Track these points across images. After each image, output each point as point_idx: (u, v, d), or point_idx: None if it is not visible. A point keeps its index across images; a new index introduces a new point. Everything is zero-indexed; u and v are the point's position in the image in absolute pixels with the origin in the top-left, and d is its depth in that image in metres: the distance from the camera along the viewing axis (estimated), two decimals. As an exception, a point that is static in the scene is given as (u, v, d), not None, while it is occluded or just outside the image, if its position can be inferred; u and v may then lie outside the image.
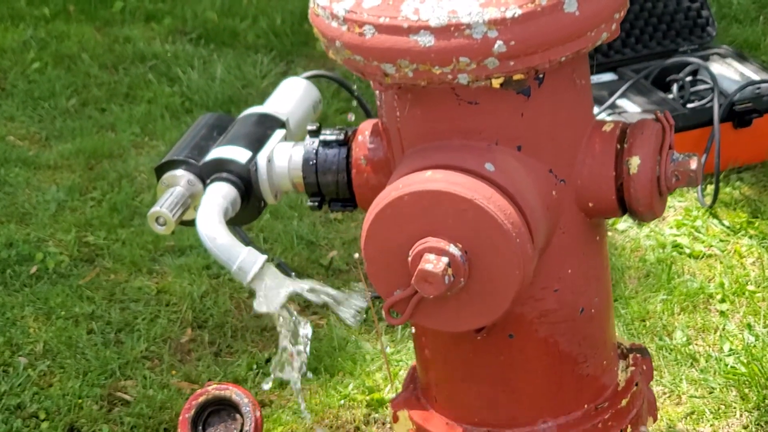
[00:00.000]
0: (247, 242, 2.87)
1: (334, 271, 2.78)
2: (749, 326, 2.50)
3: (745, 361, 2.38)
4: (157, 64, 4.03)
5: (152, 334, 2.61)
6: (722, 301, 2.59)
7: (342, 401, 2.35)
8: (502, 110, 1.55)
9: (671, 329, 2.52)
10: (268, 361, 2.46)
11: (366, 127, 1.73)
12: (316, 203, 1.77)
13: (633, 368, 1.83)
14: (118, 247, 2.96)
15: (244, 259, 1.63)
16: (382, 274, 1.56)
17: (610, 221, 2.93)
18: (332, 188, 1.74)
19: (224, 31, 4.25)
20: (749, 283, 2.65)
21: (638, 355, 1.87)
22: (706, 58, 3.40)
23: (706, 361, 2.41)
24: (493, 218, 1.49)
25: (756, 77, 3.28)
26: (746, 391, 2.31)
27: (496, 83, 1.51)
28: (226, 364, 2.50)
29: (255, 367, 2.46)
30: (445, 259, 1.49)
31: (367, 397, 2.34)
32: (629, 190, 1.61)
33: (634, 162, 1.61)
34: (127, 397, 2.44)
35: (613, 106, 3.15)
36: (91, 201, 3.22)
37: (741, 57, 3.42)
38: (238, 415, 1.86)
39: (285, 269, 2.75)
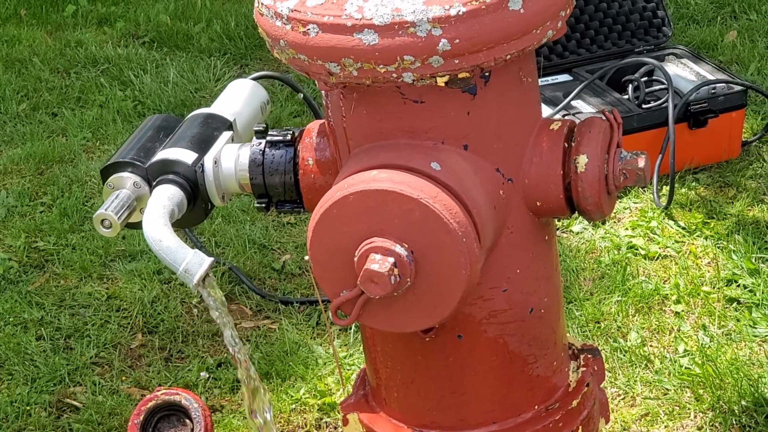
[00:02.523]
0: (198, 246, 2.87)
1: (286, 275, 2.78)
2: (704, 327, 2.52)
3: (699, 362, 2.39)
4: (109, 68, 4.02)
5: (102, 340, 2.60)
6: (677, 302, 2.61)
7: (293, 405, 2.34)
8: (448, 109, 1.55)
9: (626, 331, 2.53)
10: (220, 365, 2.46)
11: (313, 128, 1.73)
12: (264, 205, 1.77)
13: (584, 369, 1.84)
14: (68, 252, 2.95)
15: (191, 261, 1.62)
16: (328, 275, 1.56)
17: (565, 223, 2.94)
18: (279, 189, 1.74)
19: (178, 35, 4.24)
20: (704, 283, 2.67)
21: (589, 356, 1.87)
22: (661, 59, 3.42)
23: (661, 363, 2.42)
24: (439, 217, 1.49)
25: (711, 77, 3.30)
26: (700, 392, 2.32)
27: (441, 82, 1.51)
28: (176, 369, 2.49)
29: (206, 371, 2.46)
30: (391, 259, 1.49)
31: (319, 401, 2.34)
32: (577, 188, 1.62)
33: (582, 160, 1.62)
34: (76, 403, 2.43)
35: (567, 107, 3.17)
36: (41, 206, 3.20)
37: (696, 57, 3.45)
38: (188, 420, 1.86)
39: (237, 274, 2.74)
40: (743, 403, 2.25)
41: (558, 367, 1.78)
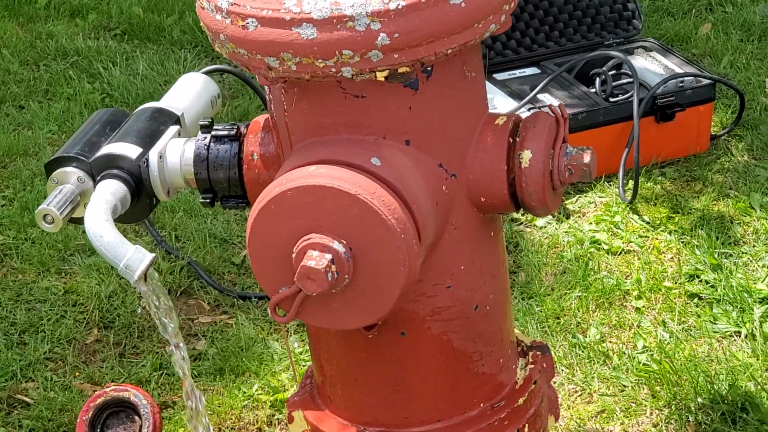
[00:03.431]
0: (159, 240, 2.87)
1: (246, 270, 2.78)
2: (663, 323, 2.52)
3: (657, 358, 2.40)
4: (78, 61, 4.00)
5: (57, 335, 2.59)
6: (638, 297, 2.61)
7: (245, 402, 2.34)
8: (389, 104, 1.55)
9: (586, 327, 2.54)
10: (175, 361, 2.45)
11: (258, 122, 1.73)
12: (208, 200, 1.76)
13: (532, 366, 1.84)
14: (27, 246, 2.94)
15: (131, 257, 1.62)
16: (267, 271, 1.56)
17: (528, 217, 2.94)
18: (224, 184, 1.74)
19: (149, 27, 4.23)
20: (666, 279, 2.67)
21: (538, 353, 1.88)
22: (630, 52, 3.42)
23: (619, 359, 2.42)
24: (376, 213, 1.49)
25: (680, 70, 3.30)
26: (657, 388, 2.32)
27: (380, 76, 1.51)
28: (130, 365, 2.49)
29: (160, 367, 2.45)
30: (328, 256, 1.49)
31: (272, 398, 2.34)
32: (521, 184, 1.62)
33: (526, 156, 1.62)
34: (27, 399, 2.42)
35: (534, 100, 3.17)
36: (2, 200, 3.19)
37: (666, 50, 3.45)
38: (137, 417, 1.85)
39: (195, 268, 2.74)
40: (699, 400, 2.25)
41: (505, 365, 1.78)
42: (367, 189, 1.49)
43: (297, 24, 1.47)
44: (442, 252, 1.65)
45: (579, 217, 2.95)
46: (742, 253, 2.75)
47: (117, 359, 2.51)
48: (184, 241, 2.91)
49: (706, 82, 3.24)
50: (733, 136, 3.34)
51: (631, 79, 3.27)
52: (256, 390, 2.37)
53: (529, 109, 3.12)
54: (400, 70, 1.51)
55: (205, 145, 1.74)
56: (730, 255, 2.74)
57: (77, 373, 2.48)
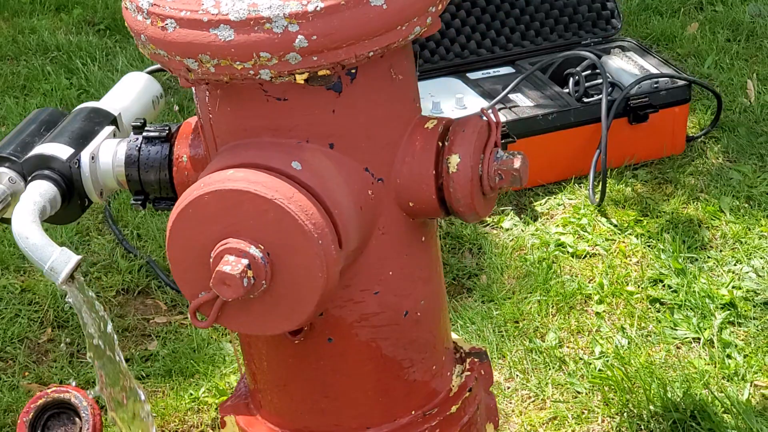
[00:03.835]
0: (120, 238, 2.86)
1: (205, 270, 2.76)
2: (623, 328, 2.51)
3: (613, 364, 2.38)
4: (58, 56, 3.99)
5: (9, 334, 2.58)
6: (599, 302, 2.59)
7: (191, 404, 2.33)
8: (312, 107, 1.54)
9: (544, 331, 2.52)
10: (127, 361, 2.44)
11: (189, 124, 1.72)
12: (140, 202, 1.76)
13: (468, 373, 1.83)
14: (-13, 243, 2.93)
15: (56, 259, 1.61)
16: (186, 275, 1.54)
17: (495, 218, 2.92)
18: (155, 186, 1.73)
19: (132, 22, 4.20)
20: (629, 283, 2.65)
21: (476, 360, 1.86)
22: (607, 52, 3.40)
23: (575, 364, 2.41)
24: (293, 219, 1.47)
25: (655, 71, 3.28)
26: (610, 395, 2.31)
27: (300, 79, 1.50)
28: (81, 365, 2.48)
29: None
30: (244, 261, 1.48)
31: (218, 400, 2.33)
32: (448, 189, 1.61)
33: (454, 160, 1.60)
34: (-26, 399, 2.42)
35: (505, 100, 3.15)
36: (-32, 195, 3.17)
37: (644, 50, 3.43)
38: (77, 419, 1.84)
39: (154, 267, 2.73)
40: (652, 407, 2.24)
41: (438, 372, 1.76)
42: (284, 193, 1.48)
43: (214, 25, 1.46)
44: (370, 257, 1.63)
45: (547, 219, 2.93)
46: (708, 257, 2.73)
47: (68, 359, 2.51)
48: (146, 240, 2.90)
49: (681, 83, 3.22)
50: (709, 138, 3.32)
51: (609, 79, 3.24)
52: (203, 392, 2.36)
53: (499, 109, 3.10)
54: (320, 73, 1.50)
55: (137, 146, 1.74)
56: (696, 259, 2.72)
57: (26, 373, 2.47)
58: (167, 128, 1.74)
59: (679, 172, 3.11)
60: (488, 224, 2.92)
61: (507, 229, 2.89)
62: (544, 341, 2.49)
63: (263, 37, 1.45)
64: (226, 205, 1.49)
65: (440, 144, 1.62)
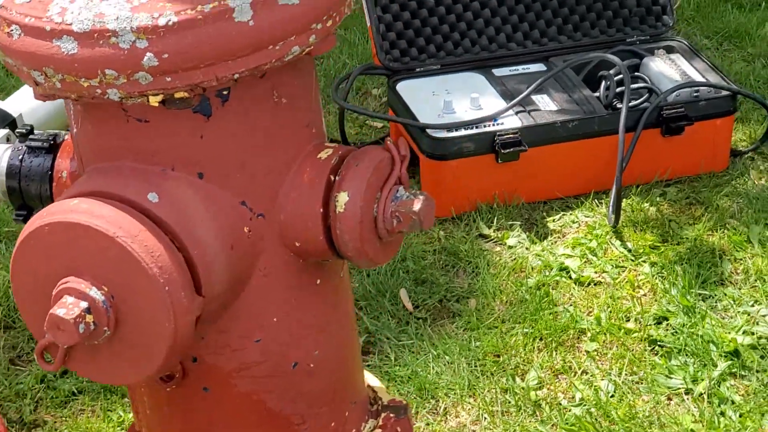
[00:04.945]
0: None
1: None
2: (611, 372, 2.34)
3: (593, 413, 2.22)
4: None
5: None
6: (592, 339, 2.43)
7: (118, 427, 2.23)
8: (177, 131, 1.42)
9: (526, 368, 2.37)
10: (65, 374, 2.35)
11: (74, 135, 1.61)
12: (21, 218, 1.66)
13: (379, 431, 1.70)
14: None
15: None
16: (31, 312, 1.44)
17: (499, 234, 2.77)
18: (36, 201, 1.64)
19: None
20: (630, 319, 2.49)
21: (392, 415, 1.74)
22: (651, 52, 3.20)
23: (551, 410, 2.25)
24: (136, 260, 1.36)
25: (699, 78, 3.08)
26: (580, 450, 2.15)
27: (154, 101, 1.38)
28: (15, 373, 2.39)
29: (43, 380, 2.35)
30: (83, 304, 1.37)
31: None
32: (335, 230, 1.48)
33: (342, 199, 1.47)
34: None
35: (526, 102, 2.98)
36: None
37: (693, 53, 3.23)
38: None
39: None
40: (620, 469, 2.08)
41: (339, 429, 1.64)
42: (128, 231, 1.36)
43: (58, 36, 1.34)
44: (249, 301, 1.51)
45: (557, 237, 2.77)
46: (724, 295, 2.55)
47: (5, 366, 2.42)
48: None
49: (725, 93, 3.02)
50: (759, 155, 3.11)
51: (645, 84, 3.06)
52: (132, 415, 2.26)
53: (516, 113, 2.94)
54: (177, 95, 1.37)
55: (20, 156, 1.64)
56: (709, 297, 2.54)
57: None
58: (53, 138, 1.64)
59: (714, 192, 2.92)
60: (492, 240, 2.77)
61: (511, 247, 2.74)
62: (523, 380, 2.34)
63: (108, 52, 1.33)
64: (67, 240, 1.38)
65: (332, 178, 1.49)
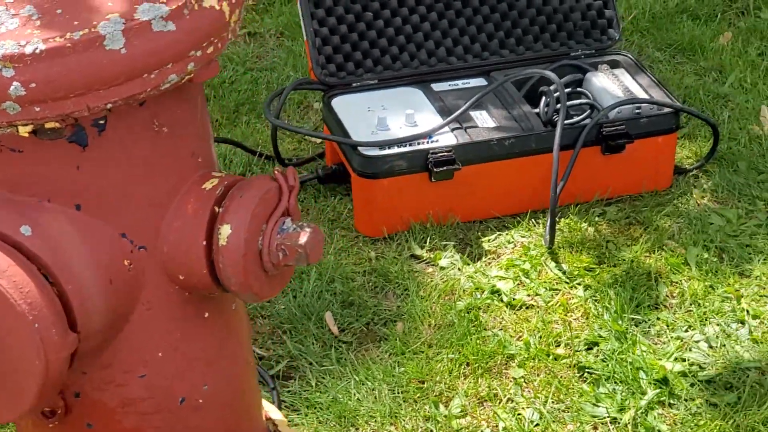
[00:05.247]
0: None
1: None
2: (536, 400, 2.32)
3: (514, 443, 2.21)
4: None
5: None
6: (521, 365, 2.41)
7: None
8: (52, 162, 1.40)
9: (450, 396, 2.35)
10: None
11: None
12: None
13: (276, 466, 1.68)
14: None
15: None
16: None
17: (431, 255, 2.75)
18: None
19: None
20: (561, 344, 2.47)
21: (289, 450, 1.71)
22: (596, 67, 3.19)
23: (472, 440, 2.23)
24: (3, 296, 1.35)
25: (642, 94, 3.06)
26: (498, 482, 2.14)
27: (23, 131, 1.36)
28: None
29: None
30: (-51, 340, 1.34)
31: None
32: (218, 264, 1.46)
33: (224, 231, 1.45)
34: None
35: (464, 118, 2.96)
36: None
37: (638, 67, 3.21)
38: None
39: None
40: (537, 502, 2.06)
41: (231, 465, 1.62)
42: (-5, 265, 1.34)
43: None
44: (132, 335, 1.49)
45: (492, 258, 2.75)
46: (657, 319, 2.53)
47: None
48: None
49: (667, 110, 3.00)
50: (704, 173, 3.10)
51: (587, 100, 3.05)
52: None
53: (452, 130, 2.92)
54: (48, 125, 1.35)
55: None
56: (642, 321, 2.52)
57: None
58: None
59: (655, 212, 2.91)
60: (424, 260, 2.75)
61: (443, 268, 2.72)
62: (447, 407, 2.32)
63: (-28, 80, 1.30)
64: (-66, 274, 1.35)
65: (216, 209, 1.47)
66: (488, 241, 2.82)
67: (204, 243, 1.46)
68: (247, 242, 1.45)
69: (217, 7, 1.39)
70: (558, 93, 2.98)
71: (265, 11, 4.04)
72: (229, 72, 3.64)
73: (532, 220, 2.88)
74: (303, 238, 1.47)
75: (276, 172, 1.51)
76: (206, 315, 1.55)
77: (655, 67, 3.68)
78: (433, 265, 2.74)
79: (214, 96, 3.51)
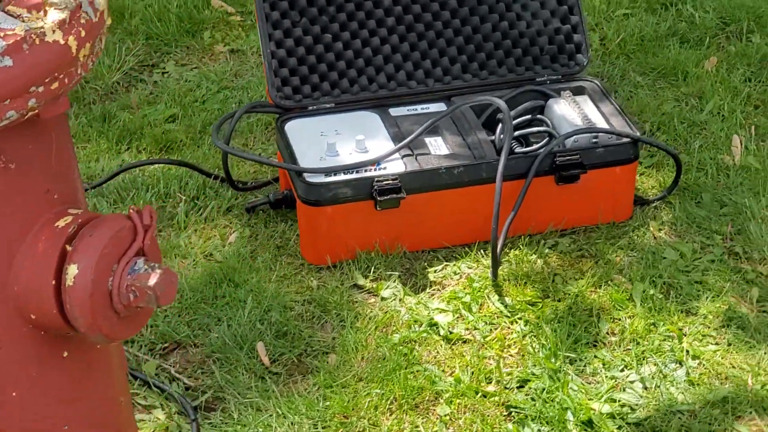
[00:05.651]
0: None
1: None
2: (459, 439, 2.32)
3: (430, 483, 2.20)
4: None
5: None
6: (448, 402, 2.40)
7: None
8: None
9: (374, 432, 2.34)
10: None
11: None
12: None
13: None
14: None
15: None
16: None
17: (373, 285, 2.74)
18: None
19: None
20: (492, 382, 2.45)
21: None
22: (558, 92, 3.17)
23: (389, 479, 2.23)
24: None
25: (602, 123, 3.04)
26: None
27: None
28: None
29: None
30: None
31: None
32: (66, 305, 1.46)
33: (72, 271, 1.46)
34: None
35: (417, 145, 2.95)
36: None
37: (603, 94, 3.19)
38: None
39: None
40: None
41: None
42: None
43: None
44: (-16, 375, 1.49)
45: (437, 290, 2.75)
46: (594, 357, 2.52)
47: None
48: None
49: (625, 140, 2.99)
50: (667, 204, 3.08)
51: (546, 128, 3.04)
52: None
53: (403, 156, 2.91)
54: None
55: None
56: (578, 359, 2.51)
57: None
58: None
59: (609, 245, 2.89)
60: (366, 290, 2.75)
61: (384, 299, 2.71)
62: (368, 445, 2.32)
63: None
64: None
65: (67, 248, 1.47)
66: (434, 271, 2.82)
67: (54, 282, 1.46)
68: (94, 282, 1.46)
69: (62, 42, 1.39)
70: (519, 119, 2.97)
71: (252, 27, 4.05)
72: (203, 90, 3.65)
73: (481, 251, 2.87)
74: (153, 280, 1.47)
75: (131, 210, 1.51)
76: (65, 354, 1.55)
77: (635, 92, 3.66)
78: (375, 295, 2.74)
79: (182, 115, 3.52)
